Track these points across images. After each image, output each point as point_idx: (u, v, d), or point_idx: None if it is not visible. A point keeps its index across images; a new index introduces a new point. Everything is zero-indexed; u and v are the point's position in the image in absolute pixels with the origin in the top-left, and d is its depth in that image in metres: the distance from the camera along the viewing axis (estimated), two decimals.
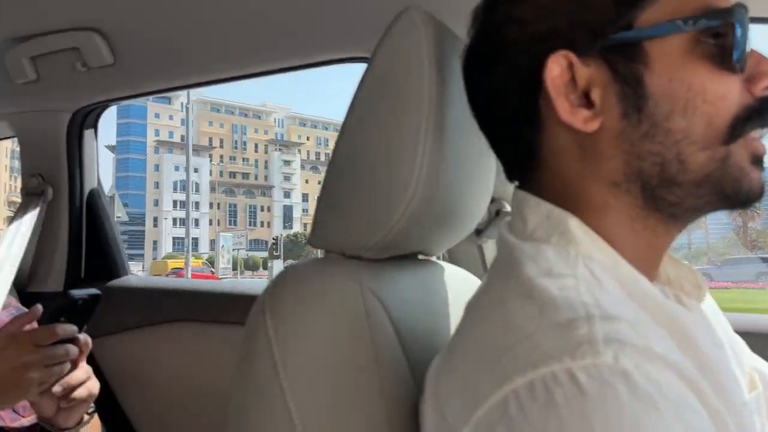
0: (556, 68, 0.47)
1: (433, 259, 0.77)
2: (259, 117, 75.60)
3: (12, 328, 0.83)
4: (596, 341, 0.37)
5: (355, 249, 0.61)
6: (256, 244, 66.73)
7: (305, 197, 74.80)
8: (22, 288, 1.45)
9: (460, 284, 0.76)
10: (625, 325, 0.38)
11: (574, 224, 0.48)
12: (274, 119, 76.42)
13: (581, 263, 0.46)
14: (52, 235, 1.51)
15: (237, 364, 0.57)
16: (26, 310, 1.18)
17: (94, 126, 1.54)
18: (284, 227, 70.89)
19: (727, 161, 0.46)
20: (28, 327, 0.84)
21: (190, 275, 21.37)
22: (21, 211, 1.42)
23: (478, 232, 1.16)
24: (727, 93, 0.46)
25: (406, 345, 0.57)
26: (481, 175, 0.70)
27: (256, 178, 74.67)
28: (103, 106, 1.48)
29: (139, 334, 1.43)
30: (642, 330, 0.39)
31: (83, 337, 0.87)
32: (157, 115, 66.38)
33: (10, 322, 0.84)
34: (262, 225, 72.58)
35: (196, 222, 65.73)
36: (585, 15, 0.47)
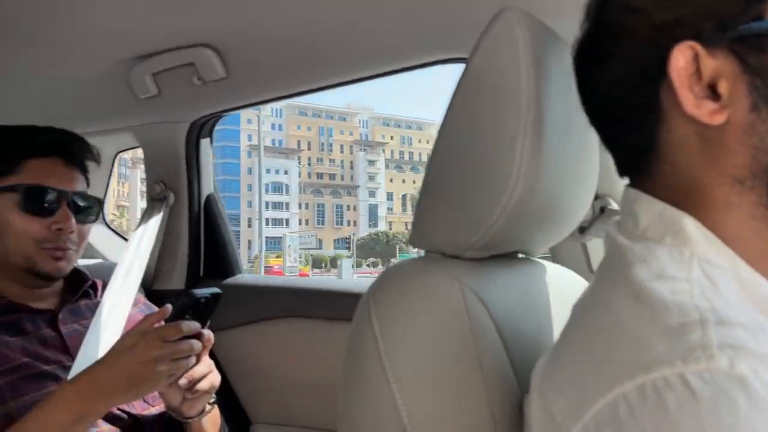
0: (680, 59, 0.45)
1: (535, 258, 0.76)
2: (344, 119, 76.82)
3: (143, 326, 0.89)
4: (710, 346, 0.36)
5: (455, 248, 0.62)
6: (342, 242, 67.85)
7: (389, 196, 75.27)
8: (148, 286, 1.57)
9: (563, 284, 0.75)
10: (742, 330, 0.37)
11: (690, 224, 0.46)
12: (359, 120, 77.41)
13: (696, 265, 0.44)
14: (174, 237, 1.61)
15: (344, 359, 0.59)
16: (154, 306, 1.29)
17: (210, 135, 1.64)
18: (369, 226, 71.67)
19: None
20: (156, 324, 0.90)
21: (263, 272, 22.82)
22: (146, 215, 1.54)
23: (582, 229, 1.13)
24: None
25: (509, 344, 0.57)
26: (584, 172, 0.69)
27: (342, 179, 75.96)
28: (217, 116, 1.57)
29: (253, 329, 1.51)
30: (761, 335, 0.37)
31: (206, 333, 0.92)
32: (249, 121, 68.89)
33: (141, 321, 0.90)
34: (348, 224, 73.73)
35: (287, 222, 67.73)
36: (712, 5, 0.46)
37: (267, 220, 65.45)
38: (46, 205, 1.03)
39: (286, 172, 69.67)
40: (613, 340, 0.40)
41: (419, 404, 0.53)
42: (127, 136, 1.68)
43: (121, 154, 1.85)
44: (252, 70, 1.33)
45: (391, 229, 71.03)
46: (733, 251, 0.46)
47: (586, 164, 0.69)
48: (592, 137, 0.71)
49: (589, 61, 0.54)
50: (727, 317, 0.38)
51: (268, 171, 66.86)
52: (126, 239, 1.78)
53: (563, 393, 0.43)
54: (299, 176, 72.57)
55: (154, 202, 1.58)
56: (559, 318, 0.68)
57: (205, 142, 1.63)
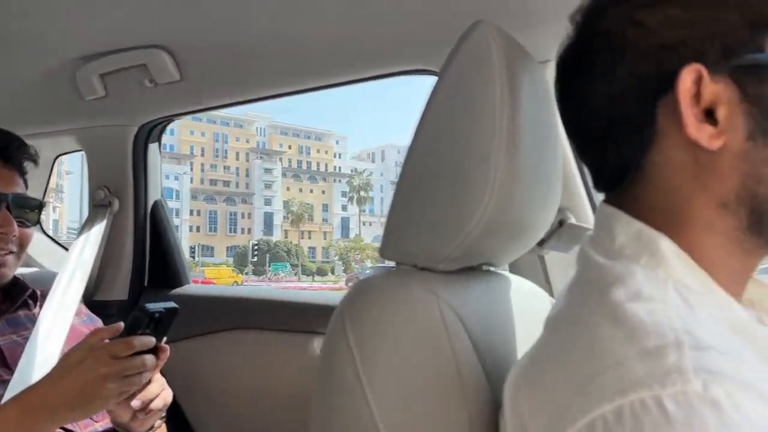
0: (687, 80, 0.46)
1: (499, 270, 0.78)
2: (241, 126, 75.06)
3: (91, 340, 0.84)
4: (686, 369, 0.36)
5: (428, 260, 0.62)
6: (234, 250, 66.23)
7: (286, 204, 74.36)
8: (89, 297, 1.48)
9: (526, 297, 0.78)
10: (716, 354, 0.38)
11: (667, 246, 0.48)
12: (256, 128, 75.93)
13: (671, 287, 0.45)
14: (117, 245, 1.53)
15: (318, 373, 0.58)
16: (97, 318, 1.22)
17: (159, 140, 1.57)
18: (264, 234, 70.42)
19: None
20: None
21: None
22: (89, 222, 1.45)
23: (541, 242, 1.18)
24: None
25: (482, 356, 0.59)
26: (551, 185, 0.71)
27: (237, 186, 74.05)
28: (168, 120, 1.51)
29: (201, 341, 1.46)
30: (733, 358, 0.39)
31: (162, 347, 0.88)
32: None
33: (90, 335, 0.85)
34: (243, 231, 71.96)
35: (177, 228, 65.06)
36: (718, 31, 0.46)
37: None
38: None
39: (176, 178, 66.98)
40: (593, 363, 0.41)
41: (398, 417, 0.53)
42: (69, 139, 1.58)
43: None
44: (207, 74, 1.28)
45: (286, 237, 70.14)
46: (707, 272, 0.47)
47: (552, 177, 0.71)
48: (558, 150, 0.75)
49: (579, 71, 0.53)
50: (702, 340, 0.39)
51: (167, 177, 63.89)
52: (64, 247, 1.67)
53: (540, 412, 0.43)
54: (191, 182, 70.01)
55: (97, 208, 1.49)
56: (523, 330, 0.71)
57: (153, 147, 1.56)
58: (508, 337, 0.68)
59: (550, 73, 1.11)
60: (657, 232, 0.48)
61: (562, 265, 1.22)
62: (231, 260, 61.39)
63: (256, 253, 58.12)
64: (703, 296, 0.46)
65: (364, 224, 74.45)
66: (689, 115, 0.46)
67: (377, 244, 0.69)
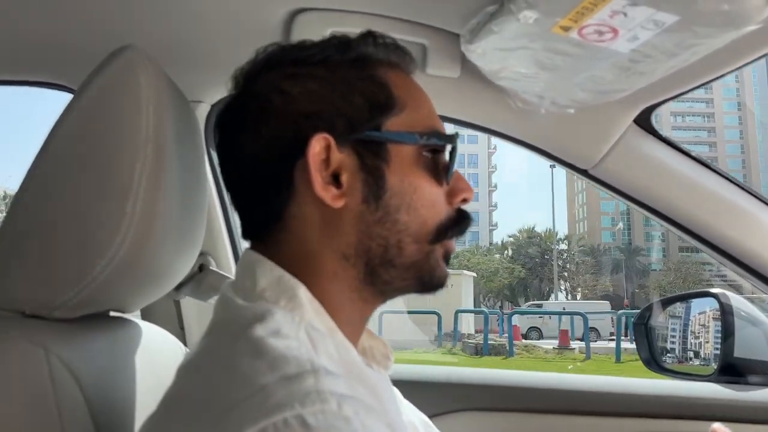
0: (317, 146, 0.53)
1: (127, 316, 0.72)
2: None
3: None
4: (323, 391, 0.41)
5: (40, 307, 0.55)
6: None
7: None
8: None
9: (158, 346, 0.73)
10: (343, 382, 0.44)
11: (303, 293, 0.53)
12: None
13: (303, 329, 0.49)
14: None
15: None
16: None
17: None
18: None
19: (430, 255, 0.56)
20: None
21: None
22: None
23: (178, 286, 1.12)
24: (436, 201, 0.57)
25: (99, 419, 0.54)
26: (192, 229, 0.68)
27: None
28: None
29: None
30: (355, 386, 0.45)
31: None
32: None
33: None
34: None
35: None
36: (345, 109, 0.54)
37: None
38: None
39: None
40: (235, 393, 0.42)
41: None
42: None
43: None
44: None
45: None
46: (333, 319, 0.53)
47: (196, 220, 0.69)
48: (204, 193, 0.73)
49: (234, 125, 0.57)
50: (331, 370, 0.45)
51: None
52: None
53: None
54: None
55: None
56: (152, 383, 0.66)
57: None
58: (131, 392, 0.62)
59: (201, 114, 1.07)
60: (296, 280, 0.53)
61: (198, 311, 1.16)
62: None
63: None
64: (328, 338, 0.51)
65: None
66: (317, 176, 0.53)
67: None
